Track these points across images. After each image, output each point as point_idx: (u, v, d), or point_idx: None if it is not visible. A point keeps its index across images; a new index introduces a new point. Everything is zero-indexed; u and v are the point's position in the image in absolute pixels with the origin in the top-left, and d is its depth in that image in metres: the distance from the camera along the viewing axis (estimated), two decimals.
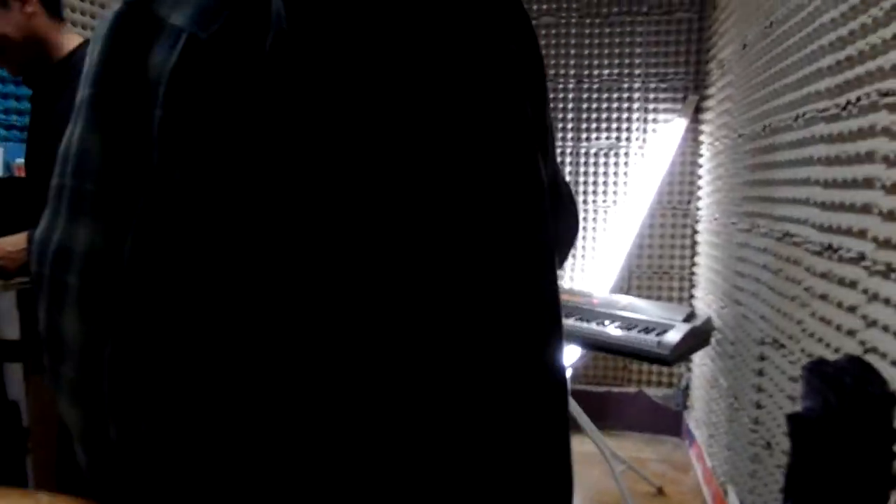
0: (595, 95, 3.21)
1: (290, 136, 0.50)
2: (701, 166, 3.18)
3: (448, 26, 0.57)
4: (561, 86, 3.19)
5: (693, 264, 3.22)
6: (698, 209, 3.25)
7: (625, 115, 3.23)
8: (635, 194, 3.17)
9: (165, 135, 0.50)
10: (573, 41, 3.16)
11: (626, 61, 3.18)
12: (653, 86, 3.20)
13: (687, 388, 3.23)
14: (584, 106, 3.21)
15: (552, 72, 3.16)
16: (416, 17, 0.56)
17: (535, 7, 3.15)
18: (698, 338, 2.37)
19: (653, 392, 3.29)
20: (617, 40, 3.16)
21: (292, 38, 0.50)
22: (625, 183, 3.25)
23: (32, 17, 1.28)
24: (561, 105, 3.20)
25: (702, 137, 3.16)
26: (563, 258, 0.80)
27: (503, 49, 0.60)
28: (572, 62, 3.18)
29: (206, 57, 0.50)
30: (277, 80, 0.50)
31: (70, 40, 1.35)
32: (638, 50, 3.17)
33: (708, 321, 2.50)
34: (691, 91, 3.17)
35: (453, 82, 0.57)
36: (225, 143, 0.50)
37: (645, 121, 3.23)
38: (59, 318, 0.54)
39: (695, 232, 3.23)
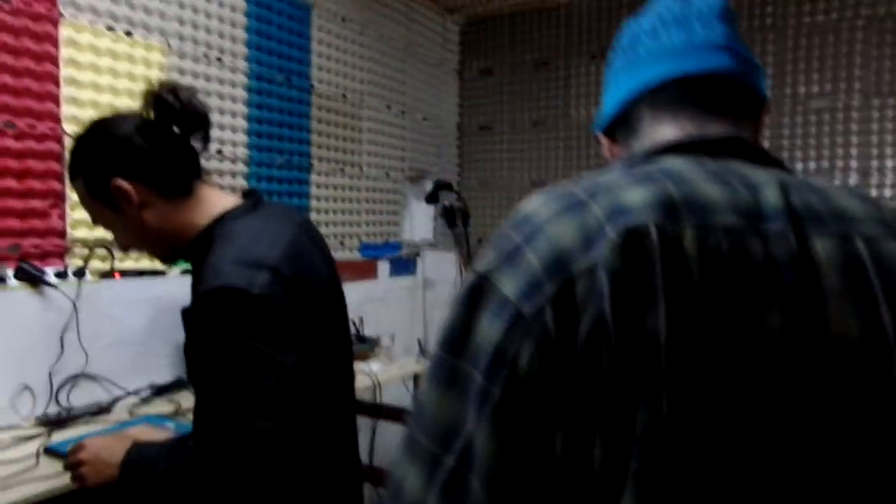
0: (890, 193, 2.64)
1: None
2: None
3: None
4: (837, 182, 2.74)
5: None
6: None
7: None
8: None
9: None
10: (855, 127, 2.70)
11: None
12: None
13: None
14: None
15: (827, 165, 2.76)
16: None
17: (801, 90, 2.83)
18: None
19: None
20: None
21: (616, 329, 0.45)
22: None
23: (147, 208, 1.05)
24: None
25: None
26: None
27: None
28: (854, 153, 2.71)
29: (526, 334, 0.47)
30: (590, 370, 0.45)
31: (203, 210, 1.08)
32: None
33: None
34: None
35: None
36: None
37: None
38: None
39: None
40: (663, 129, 0.63)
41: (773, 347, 0.47)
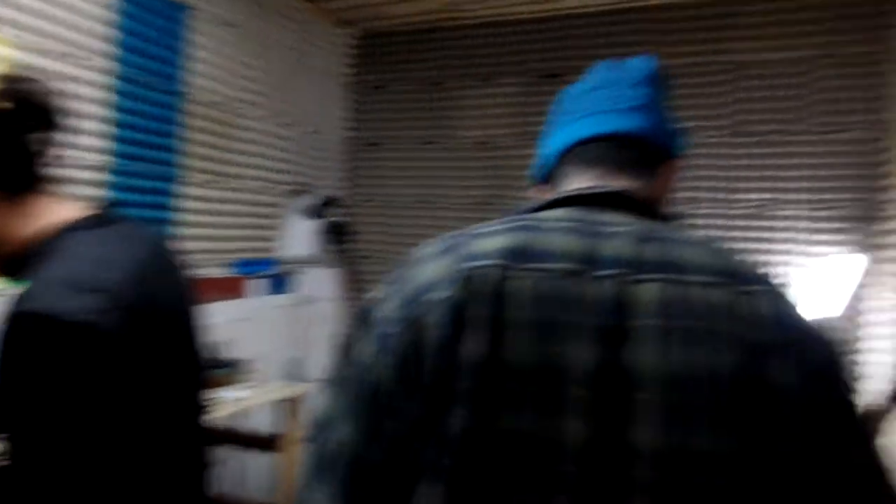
0: (744, 223, 2.85)
1: None
2: (875, 311, 2.50)
3: None
4: (705, 211, 2.93)
5: None
6: (867, 362, 2.54)
7: (780, 247, 2.76)
8: None
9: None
10: (721, 162, 2.90)
11: (782, 186, 2.75)
12: (815, 214, 2.70)
13: None
14: (734, 234, 2.87)
15: (694, 195, 2.94)
16: None
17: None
18: None
19: None
20: (772, 162, 2.78)
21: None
22: None
23: None
24: (705, 232, 2.92)
25: (880, 278, 2.49)
26: None
27: None
28: (721, 185, 2.90)
29: (388, 350, 0.60)
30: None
31: (34, 221, 0.94)
32: (798, 173, 2.73)
33: None
34: (864, 222, 2.56)
35: None
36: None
37: (807, 254, 2.71)
38: None
39: (860, 389, 2.52)
40: (573, 182, 0.73)
41: (575, 372, 0.56)
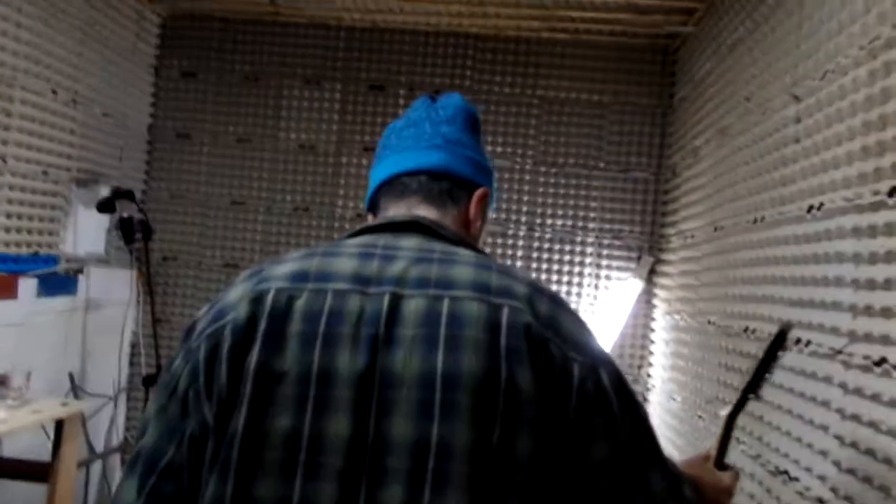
0: (546, 245, 3.09)
1: None
2: (653, 331, 2.85)
3: None
4: (511, 232, 3.13)
5: None
6: (649, 376, 2.89)
7: (576, 269, 3.04)
8: None
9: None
10: (526, 188, 3.12)
11: (581, 214, 3.04)
12: (606, 242, 3.00)
13: None
14: (535, 255, 3.10)
15: (503, 216, 3.13)
16: None
17: (487, 149, 3.17)
18: None
19: None
20: (572, 192, 3.05)
21: None
22: None
23: None
24: (510, 252, 3.12)
25: (656, 302, 2.85)
26: None
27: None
28: (525, 209, 3.12)
29: (188, 362, 0.72)
30: None
31: None
32: (593, 204, 3.02)
33: None
34: (646, 252, 2.91)
35: None
36: None
37: (597, 276, 3.01)
38: None
39: (645, 400, 2.85)
40: (386, 211, 0.86)
41: (340, 376, 0.66)
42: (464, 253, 0.75)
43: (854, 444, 1.21)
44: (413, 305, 0.68)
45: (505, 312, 0.68)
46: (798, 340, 1.48)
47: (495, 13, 2.80)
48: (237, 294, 0.72)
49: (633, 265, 2.96)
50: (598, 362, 0.70)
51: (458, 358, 0.65)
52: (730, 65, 2.20)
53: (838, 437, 1.27)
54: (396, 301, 0.69)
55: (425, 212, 0.83)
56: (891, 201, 1.18)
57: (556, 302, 0.73)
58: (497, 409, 0.64)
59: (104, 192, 2.70)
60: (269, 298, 0.70)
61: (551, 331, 0.69)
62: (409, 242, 0.76)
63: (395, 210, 0.84)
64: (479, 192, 0.87)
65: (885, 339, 1.16)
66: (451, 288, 0.69)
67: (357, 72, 3.14)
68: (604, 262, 3.01)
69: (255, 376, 0.66)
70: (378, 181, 0.88)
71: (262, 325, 0.68)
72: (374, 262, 0.72)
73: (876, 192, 1.22)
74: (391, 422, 0.64)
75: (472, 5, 2.73)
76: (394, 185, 0.86)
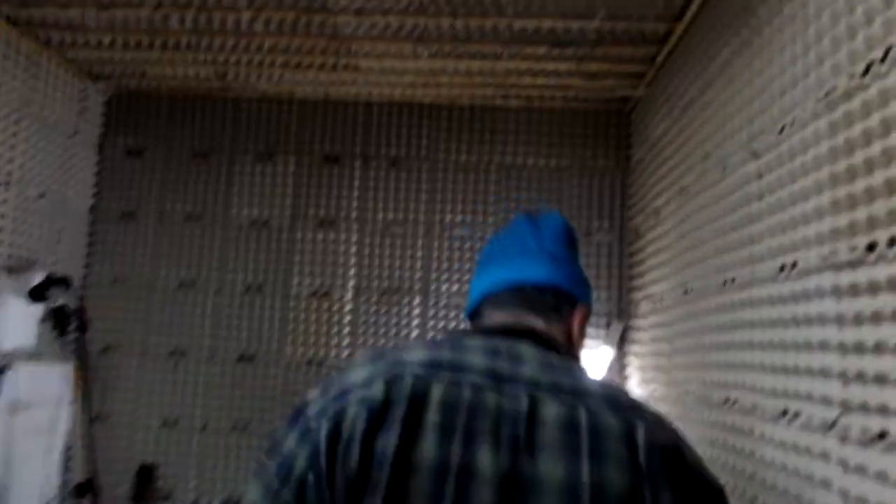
0: None
1: None
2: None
3: None
4: None
5: None
6: None
7: None
8: None
9: None
10: None
11: None
12: None
13: None
14: None
15: (466, 287, 3.02)
16: None
17: (447, 218, 3.07)
18: None
19: None
20: None
21: None
22: None
23: None
24: None
25: (630, 371, 2.72)
26: None
27: None
28: None
29: (307, 442, 0.71)
30: None
31: None
32: None
33: None
34: (615, 317, 2.80)
35: None
36: None
37: None
38: None
39: None
40: (492, 318, 0.89)
41: (480, 473, 0.66)
42: (577, 365, 0.80)
43: None
44: (553, 411, 0.70)
45: (640, 431, 0.69)
46: (785, 412, 1.37)
47: (448, 83, 2.78)
48: (364, 374, 0.73)
49: (602, 332, 2.84)
50: (718, 489, 0.72)
51: (604, 471, 0.66)
52: (685, 124, 2.18)
53: None
54: (535, 403, 0.70)
55: (534, 322, 0.87)
56: (870, 257, 1.09)
57: (675, 428, 0.75)
58: None
59: (37, 278, 2.51)
60: (408, 383, 0.70)
61: (680, 456, 0.70)
62: (528, 349, 0.78)
63: (502, 318, 0.88)
64: (582, 310, 0.92)
65: (883, 410, 1.05)
66: (584, 398, 0.71)
67: (310, 144, 3.06)
68: None
69: (393, 464, 0.65)
70: (484, 289, 0.92)
71: (400, 410, 0.68)
72: (504, 362, 0.75)
73: (853, 249, 1.14)
74: None
75: (424, 75, 2.70)
76: (500, 295, 0.90)
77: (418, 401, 0.69)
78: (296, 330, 2.94)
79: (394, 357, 0.75)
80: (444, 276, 2.96)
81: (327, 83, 2.87)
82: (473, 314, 0.93)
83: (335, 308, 2.95)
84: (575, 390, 0.72)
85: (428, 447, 0.66)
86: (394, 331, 2.92)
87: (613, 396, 0.73)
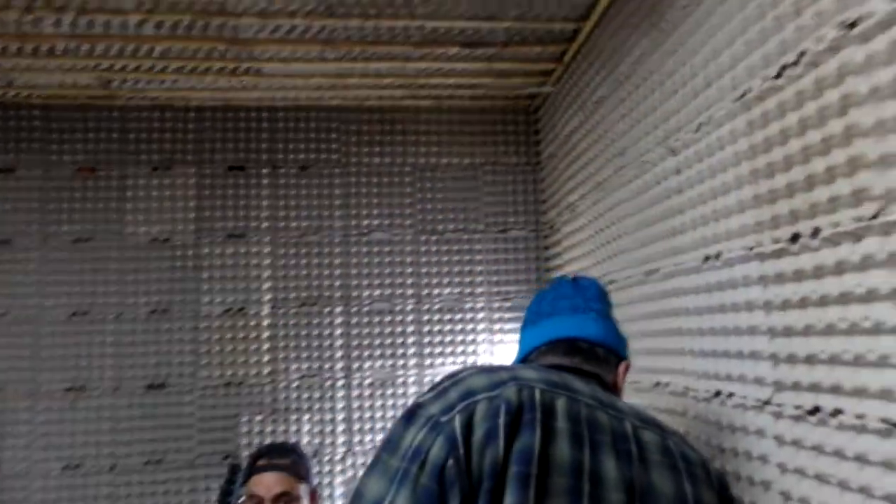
0: (437, 317, 2.95)
1: None
2: None
3: None
4: (399, 307, 2.96)
5: None
6: None
7: (469, 337, 2.93)
8: None
9: None
10: (409, 259, 2.99)
11: (468, 279, 2.95)
12: (496, 305, 2.93)
13: None
14: (426, 329, 2.94)
15: (388, 291, 2.97)
16: None
17: (364, 223, 3.02)
18: None
19: None
20: (456, 258, 2.97)
21: None
22: None
23: None
24: (399, 328, 2.95)
25: None
26: None
27: None
28: (410, 281, 2.98)
29: (439, 433, 0.79)
30: None
31: None
32: (479, 268, 2.95)
33: None
34: None
35: None
36: None
37: (491, 342, 2.91)
38: None
39: None
40: (549, 361, 1.03)
41: (606, 478, 0.78)
42: (625, 404, 0.93)
43: (803, 501, 1.16)
44: (650, 436, 0.85)
45: (705, 460, 0.91)
46: (718, 393, 1.45)
47: (356, 84, 2.71)
48: (486, 381, 0.82)
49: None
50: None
51: (699, 491, 0.83)
52: (597, 121, 2.25)
53: (783, 493, 1.21)
54: (635, 427, 0.85)
55: (594, 369, 1.02)
56: (794, 248, 1.17)
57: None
58: None
59: None
60: (536, 393, 0.81)
61: (727, 485, 0.95)
62: (598, 388, 0.93)
63: (562, 361, 1.02)
64: (625, 364, 1.11)
65: (815, 387, 1.13)
66: (662, 430, 0.88)
67: (212, 153, 2.88)
68: (496, 326, 2.93)
69: (539, 461, 0.75)
70: (540, 340, 1.07)
71: (535, 414, 0.78)
72: (596, 389, 0.91)
73: (776, 240, 1.22)
74: None
75: (331, 77, 2.62)
76: (558, 345, 1.04)
77: (548, 409, 0.79)
78: (210, 351, 2.77)
79: (510, 372, 0.85)
80: (366, 283, 2.90)
81: (227, 88, 2.71)
82: (524, 360, 1.07)
83: (252, 324, 2.80)
84: (655, 423, 0.88)
85: (563, 448, 0.77)
86: (316, 342, 2.82)
87: (674, 432, 0.92)
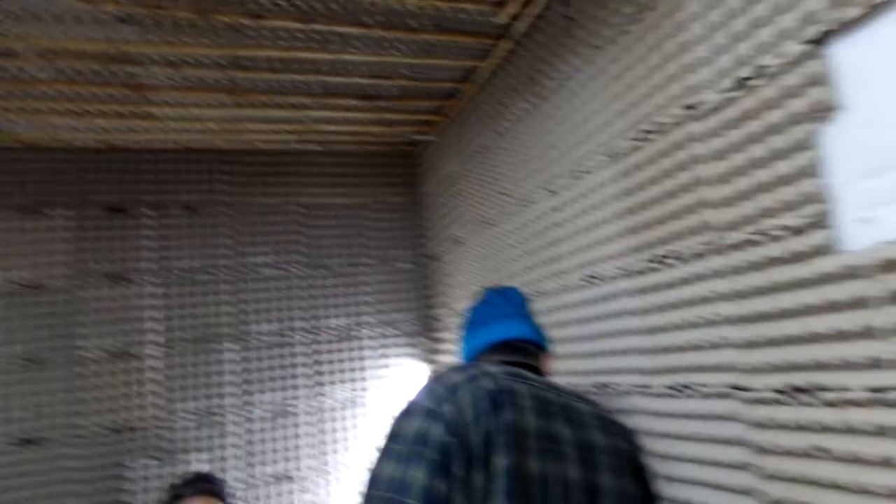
0: (331, 347, 3.10)
1: None
2: None
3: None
4: (294, 339, 3.07)
5: None
6: None
7: (361, 364, 3.11)
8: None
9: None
10: (303, 293, 3.12)
11: (357, 310, 3.14)
12: (386, 332, 3.15)
13: None
14: (322, 358, 3.07)
15: (281, 325, 3.07)
16: None
17: (255, 260, 3.11)
18: None
19: None
20: (344, 290, 3.15)
21: None
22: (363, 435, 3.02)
23: None
24: (295, 360, 3.05)
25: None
26: None
27: None
28: (302, 314, 3.10)
29: (436, 419, 1.01)
30: None
31: None
32: (368, 299, 3.16)
33: None
34: (423, 335, 3.13)
35: None
36: None
37: (385, 367, 3.11)
38: None
39: None
40: (496, 357, 1.29)
41: (564, 439, 1.04)
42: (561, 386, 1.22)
43: (669, 455, 1.54)
44: (583, 406, 1.12)
45: (619, 419, 1.19)
46: (605, 385, 1.83)
47: (250, 129, 2.83)
48: (463, 376, 1.05)
49: (414, 350, 3.16)
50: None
51: (617, 441, 1.12)
52: (476, 165, 2.61)
53: (662, 455, 1.59)
54: (573, 402, 1.11)
55: (530, 361, 1.30)
56: (657, 266, 1.58)
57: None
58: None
59: None
60: (504, 381, 1.05)
61: (635, 435, 1.20)
62: (537, 374, 1.24)
63: (505, 358, 1.27)
64: (550, 355, 1.38)
65: (678, 370, 1.53)
66: (589, 402, 1.17)
67: (92, 195, 2.81)
68: (387, 351, 3.15)
69: (513, 431, 0.98)
70: (481, 343, 1.32)
71: (507, 398, 1.01)
72: (539, 376, 1.18)
73: (643, 261, 1.63)
74: (599, 475, 1.03)
75: (227, 122, 2.72)
76: (498, 346, 1.30)
77: (514, 393, 1.03)
78: (93, 398, 2.67)
79: (477, 369, 1.08)
80: (259, 318, 2.97)
81: (111, 130, 2.69)
82: (471, 360, 1.30)
83: (141, 367, 2.75)
84: (583, 397, 1.16)
85: (531, 420, 1.01)
86: (215, 378, 2.84)
87: (598, 402, 1.21)
